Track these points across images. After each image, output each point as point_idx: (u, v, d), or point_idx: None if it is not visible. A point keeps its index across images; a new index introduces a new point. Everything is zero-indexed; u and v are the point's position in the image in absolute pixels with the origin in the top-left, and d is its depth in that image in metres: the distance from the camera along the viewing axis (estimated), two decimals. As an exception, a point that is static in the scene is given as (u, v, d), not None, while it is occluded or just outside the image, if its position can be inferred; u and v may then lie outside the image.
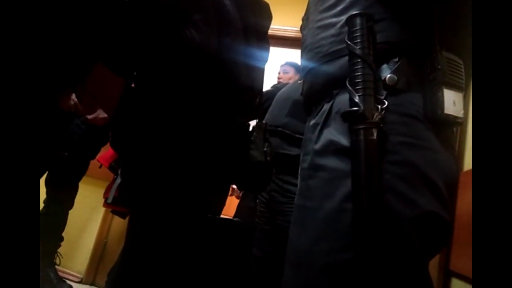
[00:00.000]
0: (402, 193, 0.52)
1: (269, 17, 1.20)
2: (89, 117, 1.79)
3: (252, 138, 1.09)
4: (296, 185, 0.68)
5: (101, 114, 1.83)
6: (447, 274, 1.50)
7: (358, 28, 0.55)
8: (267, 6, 1.19)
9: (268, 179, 1.14)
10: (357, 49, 0.54)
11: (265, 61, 1.17)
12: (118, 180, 1.71)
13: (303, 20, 0.77)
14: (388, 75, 0.55)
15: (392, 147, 0.53)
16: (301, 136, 0.79)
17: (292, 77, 2.24)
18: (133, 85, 1.00)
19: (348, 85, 0.54)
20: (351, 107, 0.54)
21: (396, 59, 0.56)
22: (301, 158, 0.67)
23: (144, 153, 0.98)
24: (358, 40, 0.54)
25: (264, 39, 1.16)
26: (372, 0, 0.58)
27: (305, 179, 0.62)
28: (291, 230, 0.63)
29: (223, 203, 1.19)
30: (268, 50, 1.19)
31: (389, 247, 0.50)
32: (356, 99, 0.52)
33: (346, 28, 0.58)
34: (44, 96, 1.13)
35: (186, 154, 0.97)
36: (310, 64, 0.67)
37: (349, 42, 0.55)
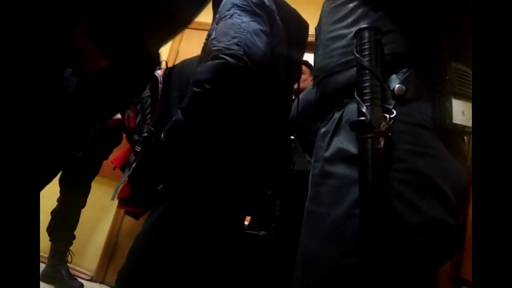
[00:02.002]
0: (408, 200, 0.53)
1: (306, 33, 1.34)
2: None
3: (294, 146, 1.14)
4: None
5: (115, 116, 1.86)
6: (458, 282, 1.48)
7: (366, 41, 0.57)
8: (306, 24, 1.34)
9: None
10: (365, 61, 0.56)
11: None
12: (123, 178, 1.75)
13: (316, 30, 0.79)
14: (397, 86, 0.56)
15: (399, 155, 0.54)
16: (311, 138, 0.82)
17: (306, 78, 2.22)
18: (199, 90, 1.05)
19: (356, 96, 0.56)
20: (359, 116, 0.55)
21: (405, 70, 0.58)
22: (312, 164, 0.69)
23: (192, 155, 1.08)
24: (366, 53, 0.56)
25: (302, 50, 1.31)
26: (381, 13, 0.60)
27: (315, 186, 0.64)
28: (302, 234, 0.65)
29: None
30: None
31: (395, 252, 0.51)
32: (364, 109, 0.54)
33: (355, 40, 0.60)
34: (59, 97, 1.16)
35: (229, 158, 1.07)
36: (321, 74, 0.69)
37: (357, 55, 0.57)
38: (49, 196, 1.94)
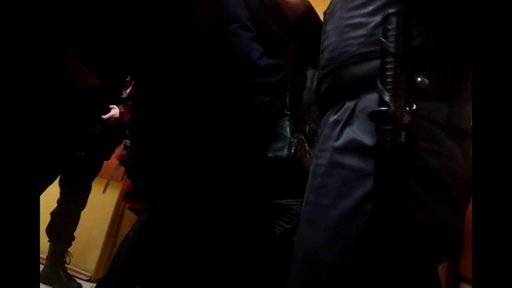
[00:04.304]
0: (422, 200, 0.52)
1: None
2: (103, 117, 1.81)
3: (281, 131, 1.04)
4: None
5: (115, 114, 1.85)
6: (456, 278, 1.49)
7: (394, 27, 0.53)
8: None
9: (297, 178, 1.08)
10: (392, 47, 0.52)
11: None
12: (114, 172, 1.77)
13: (325, 14, 0.75)
14: (420, 79, 0.54)
15: (417, 153, 0.53)
16: None
17: None
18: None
19: (379, 84, 0.53)
20: (380, 106, 0.52)
21: (430, 65, 0.55)
22: (315, 153, 0.66)
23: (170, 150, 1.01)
24: (393, 39, 0.53)
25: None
26: (404, 5, 0.57)
27: (320, 176, 0.61)
28: (301, 227, 0.62)
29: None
30: None
31: (403, 250, 0.51)
32: (387, 99, 0.51)
33: (378, 30, 0.57)
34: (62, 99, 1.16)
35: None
36: (334, 63, 0.65)
37: (383, 40, 0.54)
38: (49, 197, 1.93)
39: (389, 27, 0.54)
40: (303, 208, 0.64)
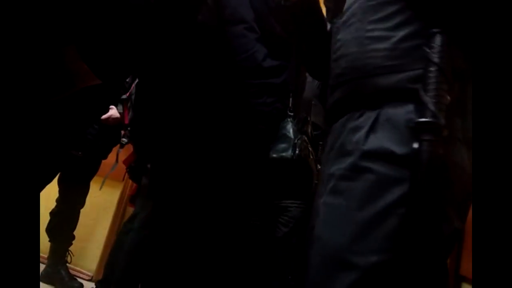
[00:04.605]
0: (446, 213, 0.56)
1: None
2: (101, 117, 1.81)
3: (284, 131, 1.04)
4: None
5: (114, 114, 1.86)
6: (458, 279, 1.49)
7: (440, 44, 0.56)
8: None
9: (301, 179, 1.08)
10: (436, 58, 0.54)
11: None
12: (111, 171, 1.77)
13: (334, 22, 0.76)
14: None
15: (449, 165, 0.55)
16: None
17: None
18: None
19: (423, 94, 0.54)
20: (421, 116, 0.54)
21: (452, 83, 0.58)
22: (334, 159, 0.67)
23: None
24: (439, 54, 0.55)
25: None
26: (424, 24, 0.59)
27: (341, 179, 0.62)
28: (322, 229, 0.63)
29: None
30: None
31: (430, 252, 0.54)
32: (433, 109, 0.53)
33: (402, 44, 0.60)
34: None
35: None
36: (354, 73, 0.67)
37: (428, 50, 0.56)
38: (48, 197, 1.93)
39: (434, 44, 0.56)
40: (323, 211, 0.65)
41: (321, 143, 1.26)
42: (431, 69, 0.54)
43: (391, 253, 0.53)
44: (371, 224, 0.56)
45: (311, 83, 1.54)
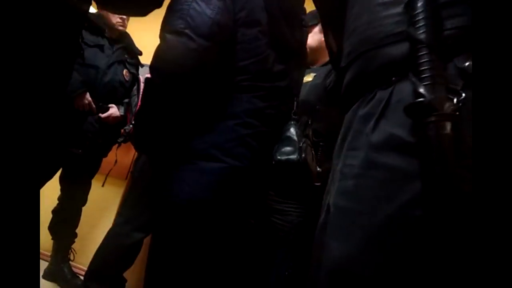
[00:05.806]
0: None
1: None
2: (102, 115, 1.81)
3: (288, 134, 1.03)
4: None
5: (114, 113, 1.86)
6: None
7: (420, 11, 0.48)
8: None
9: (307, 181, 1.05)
10: (420, 34, 0.47)
11: None
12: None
13: None
14: (467, 63, 0.46)
15: (464, 149, 0.44)
16: None
17: None
18: None
19: (411, 76, 0.47)
20: (415, 98, 0.46)
21: (467, 47, 0.48)
22: (344, 152, 0.60)
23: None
24: (421, 24, 0.47)
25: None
26: None
27: (352, 178, 0.54)
28: (330, 235, 0.56)
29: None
30: None
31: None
32: (421, 90, 0.45)
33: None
34: (58, 96, 1.13)
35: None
36: (363, 47, 0.58)
37: (410, 27, 0.48)
38: (50, 195, 1.93)
39: (414, 12, 0.48)
40: (330, 214, 0.58)
41: (321, 144, 1.25)
42: (417, 47, 0.47)
43: (407, 265, 0.45)
44: (381, 230, 0.48)
45: (315, 86, 1.50)
